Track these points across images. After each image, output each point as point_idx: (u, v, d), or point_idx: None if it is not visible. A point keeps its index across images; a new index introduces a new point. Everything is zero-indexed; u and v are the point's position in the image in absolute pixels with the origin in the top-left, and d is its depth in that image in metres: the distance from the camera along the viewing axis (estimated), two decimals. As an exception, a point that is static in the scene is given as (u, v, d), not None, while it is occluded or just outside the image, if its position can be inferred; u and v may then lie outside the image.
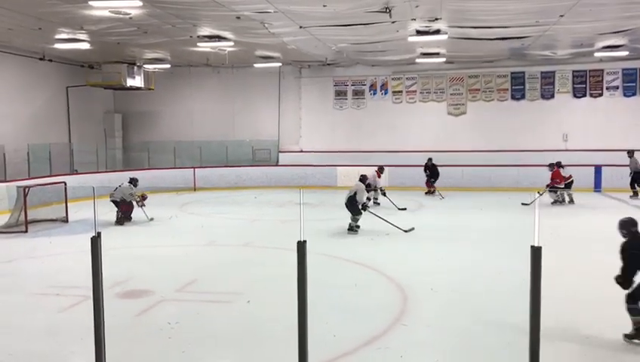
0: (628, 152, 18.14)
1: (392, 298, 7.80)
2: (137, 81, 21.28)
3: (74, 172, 19.39)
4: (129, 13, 12.92)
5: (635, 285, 5.78)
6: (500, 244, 11.05)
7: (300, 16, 13.32)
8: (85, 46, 16.89)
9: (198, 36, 15.90)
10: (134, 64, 20.90)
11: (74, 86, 21.49)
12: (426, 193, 19.15)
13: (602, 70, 21.14)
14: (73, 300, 7.60)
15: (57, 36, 15.87)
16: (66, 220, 14.20)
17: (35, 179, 16.03)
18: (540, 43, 17.41)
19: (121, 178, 18.94)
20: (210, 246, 11.60)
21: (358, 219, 12.47)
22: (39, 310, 7.44)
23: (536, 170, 20.12)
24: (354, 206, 12.34)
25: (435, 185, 18.94)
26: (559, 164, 16.89)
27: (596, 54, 19.17)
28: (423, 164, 19.39)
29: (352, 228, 12.46)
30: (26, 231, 12.97)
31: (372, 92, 23.25)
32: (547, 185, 16.57)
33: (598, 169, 19.69)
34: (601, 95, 21.32)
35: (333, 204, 17.20)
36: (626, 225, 5.92)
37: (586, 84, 21.40)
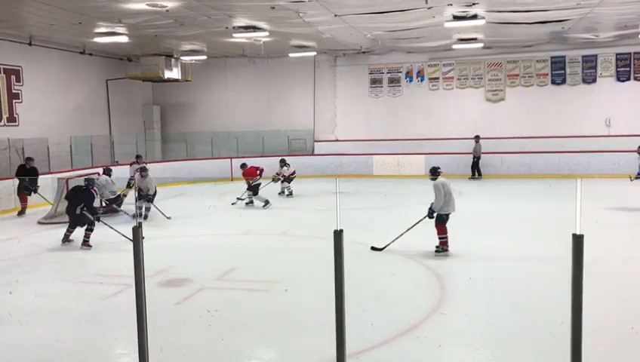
0: (475, 137, 19.82)
1: (429, 287, 7.76)
2: (175, 73, 21.56)
3: (115, 163, 19.78)
4: (165, 6, 13.07)
5: None
6: (540, 232, 10.84)
7: (334, 4, 13.24)
8: (124, 39, 17.13)
9: (234, 27, 15.98)
10: (172, 56, 21.17)
11: (113, 79, 21.92)
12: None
13: (647, 53, 20.45)
14: (116, 288, 7.79)
15: (97, 30, 16.16)
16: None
17: (78, 171, 16.42)
18: (581, 26, 16.89)
19: (161, 169, 19.38)
20: (247, 236, 11.72)
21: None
22: (84, 298, 7.65)
23: (579, 157, 19.68)
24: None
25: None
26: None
27: (641, 36, 18.56)
28: (461, 151, 19.19)
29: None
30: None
31: (408, 79, 22.98)
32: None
33: (643, 155, 19.09)
34: (646, 78, 20.65)
35: (369, 193, 17.21)
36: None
37: (631, 67, 20.68)
